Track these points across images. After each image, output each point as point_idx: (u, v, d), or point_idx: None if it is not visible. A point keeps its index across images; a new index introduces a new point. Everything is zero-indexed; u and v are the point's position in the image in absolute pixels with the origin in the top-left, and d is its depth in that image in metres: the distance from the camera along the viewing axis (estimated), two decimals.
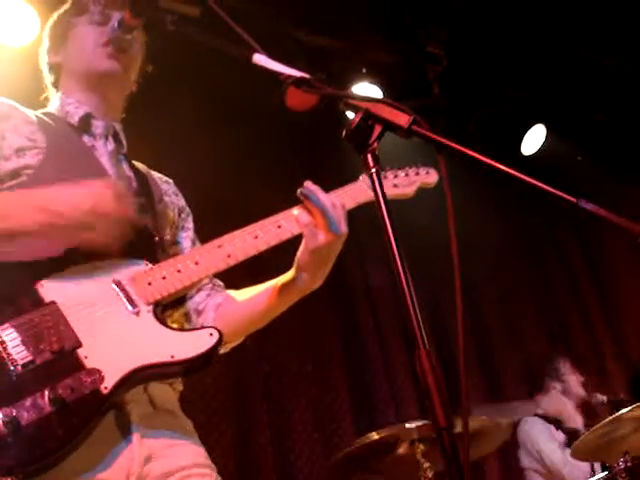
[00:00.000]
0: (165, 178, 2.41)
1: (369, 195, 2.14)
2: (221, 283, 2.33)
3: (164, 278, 1.91)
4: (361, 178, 2.21)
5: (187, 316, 2.24)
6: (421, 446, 3.37)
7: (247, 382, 4.92)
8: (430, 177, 2.36)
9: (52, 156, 2.03)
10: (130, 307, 1.85)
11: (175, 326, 2.07)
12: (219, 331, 1.87)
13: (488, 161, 1.53)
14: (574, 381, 5.35)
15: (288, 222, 2.06)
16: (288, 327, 5.00)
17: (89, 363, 1.73)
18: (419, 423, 3.34)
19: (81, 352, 1.75)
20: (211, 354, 1.84)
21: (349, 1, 5.17)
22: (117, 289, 1.87)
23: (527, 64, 5.90)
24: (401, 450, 3.48)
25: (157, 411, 1.92)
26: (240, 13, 4.72)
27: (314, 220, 2.03)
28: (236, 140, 5.23)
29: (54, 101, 2.26)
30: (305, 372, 5.18)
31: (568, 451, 4.68)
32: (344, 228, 2.05)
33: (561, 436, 5.07)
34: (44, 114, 2.19)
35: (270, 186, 4.88)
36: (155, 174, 2.38)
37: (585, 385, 5.33)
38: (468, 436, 1.31)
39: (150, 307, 1.87)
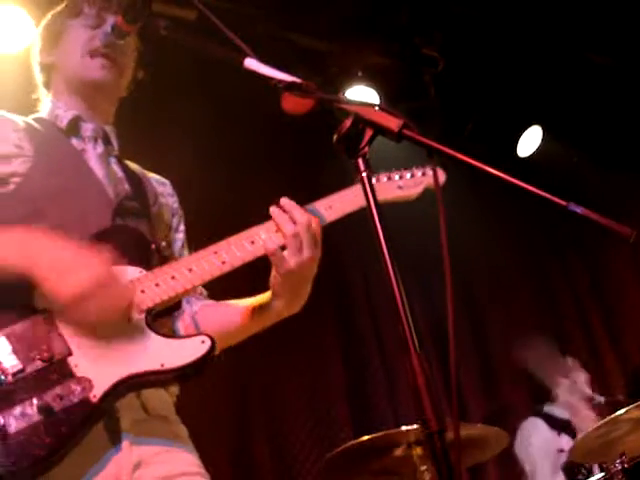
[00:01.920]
0: (161, 179, 2.39)
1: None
2: (204, 292, 2.30)
3: (157, 285, 1.89)
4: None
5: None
6: (418, 449, 3.36)
7: (245, 388, 4.92)
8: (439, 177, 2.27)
9: (40, 163, 2.02)
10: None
11: (169, 333, 2.04)
12: (212, 339, 1.84)
13: (479, 165, 1.54)
14: (583, 379, 5.31)
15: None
16: (287, 332, 5.00)
17: (79, 371, 1.73)
18: (415, 426, 3.33)
19: (71, 360, 1.74)
20: (202, 362, 1.81)
21: (345, 5, 5.18)
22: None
23: (522, 65, 5.90)
24: (398, 453, 3.48)
25: (149, 417, 1.91)
26: (235, 17, 4.76)
27: (282, 241, 1.96)
28: (234, 144, 5.24)
29: (45, 104, 2.25)
30: (303, 378, 5.18)
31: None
32: (318, 250, 1.97)
33: (565, 441, 5.02)
34: (35, 119, 2.18)
35: (268, 189, 4.87)
36: (151, 175, 2.36)
37: (591, 384, 5.31)
38: (459, 440, 1.31)
39: (142, 315, 1.85)
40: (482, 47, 5.69)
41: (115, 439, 1.81)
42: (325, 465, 3.56)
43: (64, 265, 1.72)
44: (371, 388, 5.43)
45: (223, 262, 1.95)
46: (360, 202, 2.04)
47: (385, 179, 2.18)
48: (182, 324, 2.21)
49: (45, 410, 1.66)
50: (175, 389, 2.08)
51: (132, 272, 1.90)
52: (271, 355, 4.96)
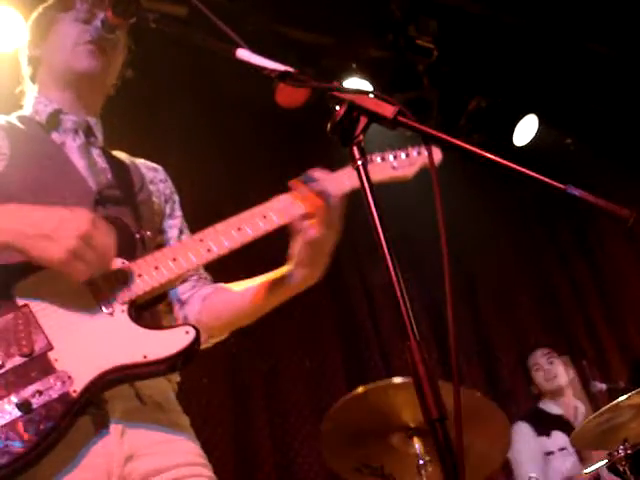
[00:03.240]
0: (152, 165, 2.35)
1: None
2: (208, 275, 2.27)
3: (140, 276, 1.86)
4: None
5: (170, 306, 2.19)
6: (416, 439, 3.35)
7: (245, 381, 4.92)
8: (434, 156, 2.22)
9: (16, 162, 2.00)
10: (104, 307, 1.81)
11: (152, 324, 1.97)
12: (196, 328, 1.82)
13: (475, 150, 1.52)
14: (558, 366, 5.31)
15: (275, 213, 1.97)
16: (286, 324, 5.01)
17: (59, 366, 1.71)
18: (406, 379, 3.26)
19: (51, 355, 1.72)
20: (188, 352, 1.79)
21: None
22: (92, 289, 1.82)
23: (517, 54, 5.89)
24: (395, 439, 3.46)
25: (145, 406, 1.88)
26: (228, 11, 4.75)
27: (308, 210, 1.94)
28: (230, 137, 5.24)
29: (29, 98, 2.24)
30: (303, 369, 5.18)
31: (554, 460, 4.69)
32: (341, 220, 1.97)
33: (558, 441, 5.02)
34: (18, 117, 2.17)
35: (264, 181, 4.88)
36: (141, 161, 2.33)
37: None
38: (461, 426, 1.30)
39: (125, 306, 1.82)
40: (476, 36, 5.68)
41: (103, 431, 1.78)
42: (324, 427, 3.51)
43: (49, 228, 1.71)
44: (369, 370, 5.44)
45: (208, 249, 1.92)
46: (353, 184, 2.01)
47: (379, 159, 2.13)
48: (189, 311, 2.17)
49: (23, 406, 1.64)
50: (175, 376, 2.05)
51: (114, 263, 1.87)
52: (270, 346, 4.97)
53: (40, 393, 1.66)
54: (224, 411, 4.74)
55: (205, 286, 2.23)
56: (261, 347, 4.94)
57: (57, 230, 1.70)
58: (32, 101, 2.21)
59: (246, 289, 2.13)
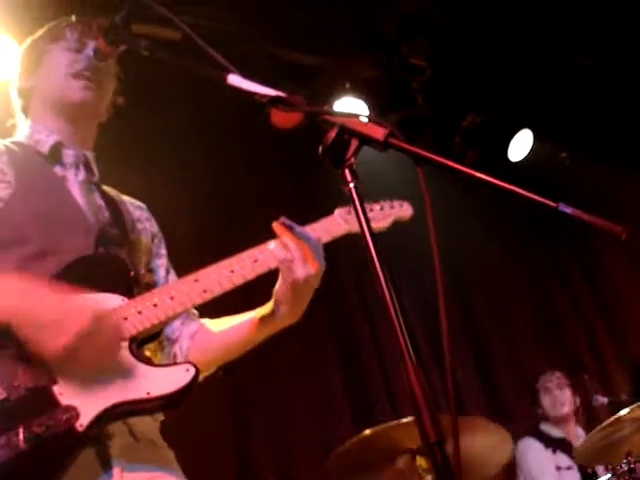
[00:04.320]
0: (137, 203, 2.37)
1: (344, 228, 2.15)
2: (195, 312, 2.29)
3: (140, 312, 1.89)
4: (336, 212, 2.19)
5: (161, 344, 2.22)
6: (421, 460, 3.33)
7: (244, 397, 4.91)
8: (404, 211, 2.34)
9: (21, 190, 2.00)
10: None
11: (153, 361, 2.03)
12: (195, 366, 1.87)
13: (466, 170, 1.53)
14: (567, 393, 5.29)
15: (264, 256, 2.02)
16: (285, 340, 4.98)
17: (64, 400, 1.72)
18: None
19: (56, 389, 1.74)
20: (187, 390, 1.83)
21: (330, 17, 5.19)
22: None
23: (510, 70, 5.92)
24: (401, 462, 3.45)
25: (138, 442, 1.90)
26: (221, 35, 4.78)
27: (290, 254, 1.99)
28: (222, 157, 5.24)
29: (23, 128, 2.24)
30: (303, 385, 5.17)
31: (567, 476, 4.66)
32: (323, 262, 2.03)
33: (563, 460, 5.00)
34: (13, 143, 2.17)
35: (259, 206, 4.89)
36: (126, 199, 2.34)
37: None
38: (458, 447, 1.29)
39: (126, 342, 1.85)
40: (469, 54, 5.72)
41: (106, 467, 1.79)
42: (328, 468, 3.52)
43: (48, 320, 1.71)
44: (370, 388, 5.42)
45: (204, 290, 1.96)
46: (335, 232, 2.16)
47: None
48: (178, 348, 2.20)
49: (32, 439, 1.64)
50: (160, 415, 2.07)
51: (115, 300, 1.90)
52: (269, 363, 4.95)
53: (47, 427, 1.68)
54: (223, 432, 4.72)
55: (192, 322, 2.25)
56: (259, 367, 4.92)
57: (57, 323, 1.70)
58: (29, 130, 2.20)
59: (235, 325, 2.17)
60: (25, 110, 2.27)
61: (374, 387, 5.45)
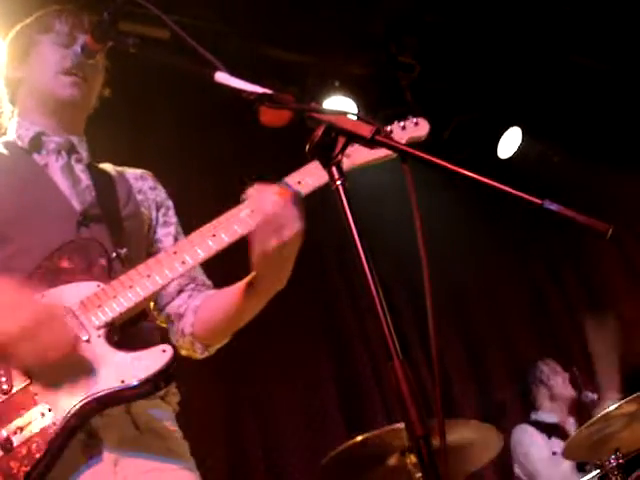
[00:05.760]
0: (140, 173, 2.32)
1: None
2: (207, 282, 2.23)
3: (114, 297, 1.84)
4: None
5: (169, 319, 2.17)
6: (412, 457, 3.34)
7: (237, 402, 4.90)
8: (419, 130, 2.17)
9: (1, 189, 2.01)
10: (81, 335, 1.79)
11: (134, 346, 1.89)
12: (173, 347, 1.82)
13: (453, 167, 1.53)
14: (560, 382, 5.35)
15: (249, 215, 1.92)
16: (276, 343, 4.99)
17: (39, 400, 1.72)
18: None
19: (32, 389, 1.73)
20: (165, 372, 1.77)
21: (318, 16, 5.20)
22: (68, 318, 1.81)
23: (499, 67, 5.93)
24: (392, 462, 3.46)
25: (141, 433, 1.88)
26: (210, 34, 4.77)
27: (267, 219, 1.86)
28: (216, 154, 5.23)
29: (11, 124, 2.24)
30: (295, 390, 5.16)
31: (563, 462, 4.69)
32: (298, 226, 1.86)
33: (556, 444, 5.04)
34: (3, 143, 2.18)
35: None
36: (130, 171, 2.31)
37: (574, 382, 5.33)
38: (445, 447, 1.30)
39: (101, 331, 1.81)
40: (458, 51, 5.73)
41: (97, 459, 1.79)
42: (320, 471, 3.52)
43: (3, 305, 1.70)
44: (362, 389, 5.43)
45: (183, 261, 1.89)
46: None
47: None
48: (184, 324, 2.13)
49: (4, 445, 1.64)
50: (174, 398, 2.04)
51: (90, 288, 1.86)
52: (262, 362, 4.95)
53: (21, 429, 1.67)
54: (215, 431, 4.71)
55: (198, 295, 2.18)
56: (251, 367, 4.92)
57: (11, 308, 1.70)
58: (15, 126, 2.21)
59: (227, 293, 2.08)
60: (12, 101, 2.27)
61: (366, 389, 5.45)
